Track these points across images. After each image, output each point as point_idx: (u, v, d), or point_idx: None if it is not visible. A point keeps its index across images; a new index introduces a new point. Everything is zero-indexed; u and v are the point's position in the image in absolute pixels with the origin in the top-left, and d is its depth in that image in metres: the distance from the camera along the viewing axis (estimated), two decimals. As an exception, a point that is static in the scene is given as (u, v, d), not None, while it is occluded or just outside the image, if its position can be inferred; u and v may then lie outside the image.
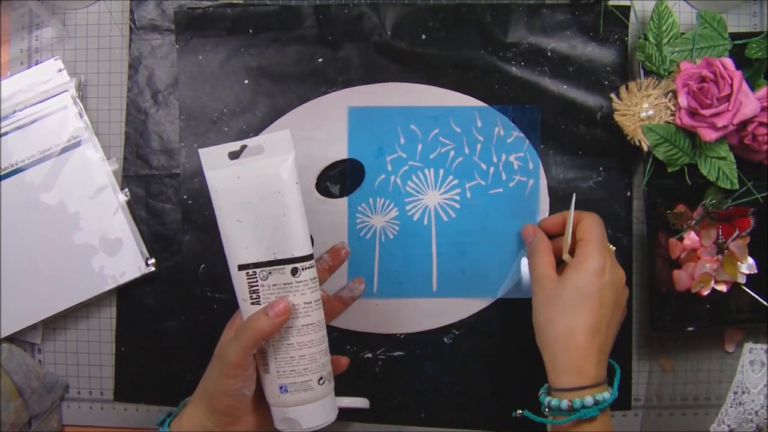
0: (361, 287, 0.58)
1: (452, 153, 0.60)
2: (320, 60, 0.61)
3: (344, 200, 0.60)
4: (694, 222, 0.60)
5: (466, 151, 0.60)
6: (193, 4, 0.61)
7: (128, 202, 0.60)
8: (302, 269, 0.48)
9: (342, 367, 0.53)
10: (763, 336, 0.62)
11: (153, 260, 0.60)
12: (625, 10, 0.60)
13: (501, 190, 0.60)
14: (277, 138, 0.49)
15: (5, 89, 0.60)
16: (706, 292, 0.60)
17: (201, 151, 0.49)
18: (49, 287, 0.59)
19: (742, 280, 0.60)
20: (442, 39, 0.60)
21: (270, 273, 0.48)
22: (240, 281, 0.48)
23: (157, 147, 0.61)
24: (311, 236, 0.60)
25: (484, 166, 0.60)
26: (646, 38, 0.58)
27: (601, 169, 0.61)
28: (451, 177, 0.60)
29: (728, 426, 0.62)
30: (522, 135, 0.60)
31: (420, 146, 0.60)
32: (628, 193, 0.61)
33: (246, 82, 0.61)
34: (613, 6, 0.60)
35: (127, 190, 0.60)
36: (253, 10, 0.61)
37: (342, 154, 0.60)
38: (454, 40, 0.60)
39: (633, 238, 0.62)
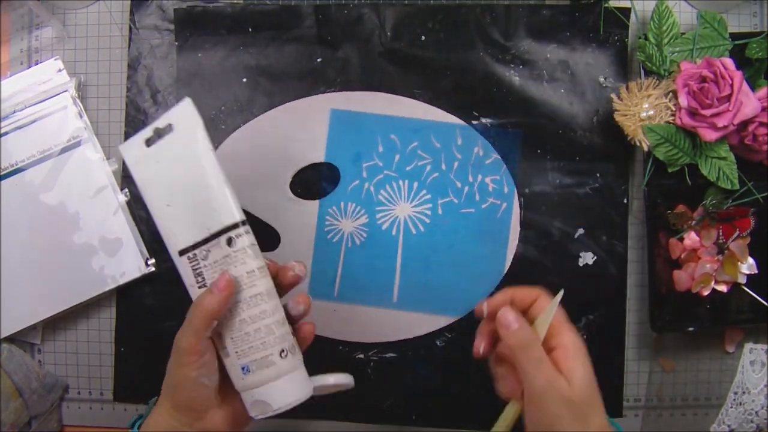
0: (300, 307, 0.48)
1: (428, 167, 0.60)
2: (319, 60, 0.61)
3: (316, 202, 0.60)
4: (694, 222, 0.60)
5: (443, 167, 0.60)
6: (193, 2, 0.61)
7: (128, 202, 0.60)
8: (236, 237, 0.45)
9: (309, 336, 0.48)
10: (763, 336, 0.62)
11: (153, 260, 0.60)
12: (626, 10, 0.60)
13: (473, 210, 0.60)
14: (181, 111, 0.47)
15: (5, 89, 0.60)
16: (706, 293, 0.60)
17: (121, 147, 0.47)
18: (49, 287, 0.59)
19: (742, 280, 0.60)
20: (441, 40, 0.60)
21: (209, 251, 0.45)
22: (184, 267, 0.46)
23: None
24: (278, 233, 0.60)
25: (458, 185, 0.60)
26: (646, 38, 0.58)
27: (597, 175, 0.61)
28: (424, 191, 0.60)
29: (728, 426, 0.62)
30: (500, 158, 0.60)
31: (397, 157, 0.60)
32: (625, 200, 0.61)
33: (244, 80, 0.61)
34: (613, 7, 0.60)
35: (127, 190, 0.60)
36: (253, 8, 0.61)
37: (320, 155, 0.61)
38: (454, 41, 0.60)
39: (632, 239, 0.61)
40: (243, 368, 0.45)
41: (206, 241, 0.45)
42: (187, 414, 0.44)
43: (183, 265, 0.46)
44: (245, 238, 0.45)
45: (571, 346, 0.41)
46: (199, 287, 0.45)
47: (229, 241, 0.45)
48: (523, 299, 0.44)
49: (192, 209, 0.46)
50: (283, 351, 0.45)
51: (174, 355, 0.44)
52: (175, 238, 0.46)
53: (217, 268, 0.45)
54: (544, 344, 0.42)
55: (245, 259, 0.45)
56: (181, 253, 0.46)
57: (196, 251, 0.46)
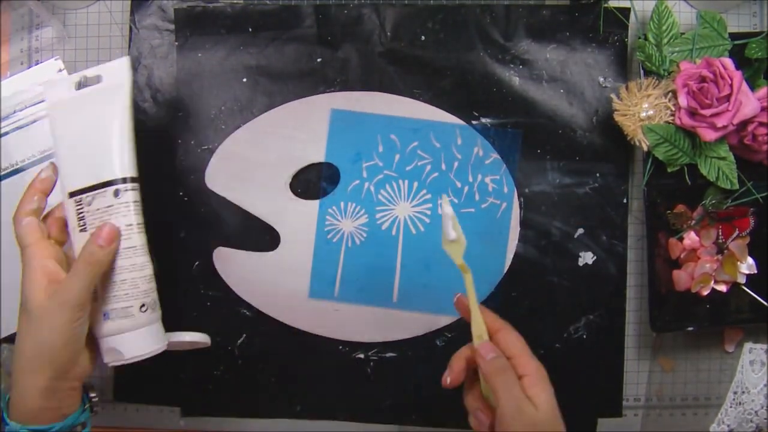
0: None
1: (428, 167, 0.60)
2: (319, 60, 0.61)
3: (316, 202, 0.60)
4: (693, 222, 0.60)
5: (443, 167, 0.60)
6: (194, 2, 0.61)
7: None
8: (124, 191, 0.48)
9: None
10: (763, 336, 0.62)
11: (153, 259, 0.60)
12: (625, 10, 0.60)
13: (473, 210, 0.60)
14: (115, 67, 0.51)
15: (5, 89, 0.60)
16: (705, 292, 0.60)
17: (45, 83, 0.51)
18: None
19: (741, 280, 0.60)
20: (441, 40, 0.60)
21: (93, 198, 0.48)
22: (70, 209, 0.49)
23: (157, 146, 0.61)
24: (278, 233, 0.60)
25: (458, 184, 0.60)
26: (646, 38, 0.58)
27: (597, 175, 0.61)
28: (424, 191, 0.60)
29: (728, 426, 0.62)
30: (500, 158, 0.60)
31: (397, 156, 0.60)
32: (624, 200, 0.61)
33: (244, 80, 0.61)
34: (613, 7, 0.60)
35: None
36: (253, 8, 0.61)
37: (320, 155, 0.61)
38: (454, 41, 0.60)
39: (632, 239, 0.62)
40: (104, 314, 0.48)
41: (94, 187, 0.48)
42: (65, 367, 0.45)
43: (70, 207, 0.49)
44: (131, 194, 0.49)
45: (535, 374, 0.45)
46: (80, 230, 0.48)
47: (116, 193, 0.48)
48: (491, 324, 0.48)
49: (92, 157, 0.49)
50: (143, 305, 0.49)
51: (57, 315, 0.44)
52: (69, 179, 0.49)
53: (98, 215, 0.48)
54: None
55: (127, 212, 0.48)
56: (71, 194, 0.49)
57: (83, 196, 0.48)
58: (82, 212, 0.48)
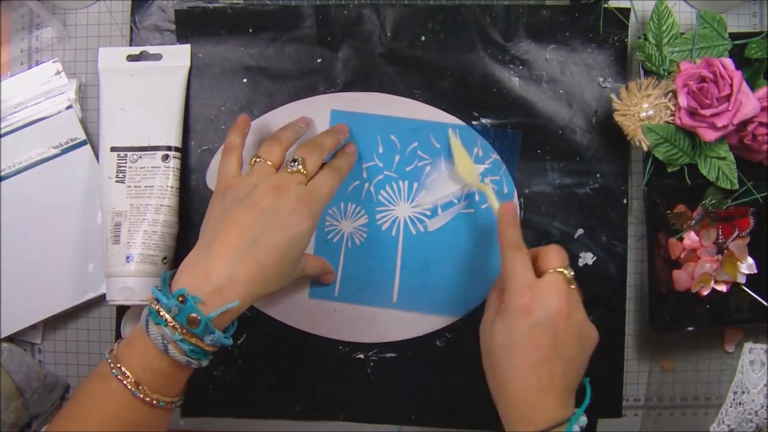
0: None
1: (428, 168, 0.60)
2: (319, 60, 0.61)
3: None
4: (693, 222, 0.60)
5: (443, 167, 0.60)
6: (194, 3, 0.61)
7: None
8: (173, 157, 0.57)
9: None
10: (763, 336, 0.62)
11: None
12: (625, 11, 0.60)
13: (473, 210, 0.60)
14: (176, 50, 0.59)
15: (5, 90, 0.60)
16: (705, 292, 0.60)
17: (102, 49, 0.59)
18: (49, 287, 0.59)
19: (741, 280, 0.60)
20: (441, 41, 0.60)
21: (140, 157, 0.56)
22: (109, 161, 0.56)
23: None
24: None
25: (458, 185, 0.60)
26: (646, 38, 0.58)
27: (597, 175, 0.61)
28: (424, 191, 0.60)
29: (728, 426, 0.62)
30: (500, 159, 0.60)
31: (397, 157, 0.60)
32: (624, 201, 0.61)
33: (245, 81, 0.61)
34: (612, 7, 0.60)
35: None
36: (253, 9, 0.61)
37: None
38: (453, 41, 0.60)
39: (632, 239, 0.62)
40: (128, 257, 0.54)
41: (143, 149, 0.56)
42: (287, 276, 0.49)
43: (108, 159, 0.56)
44: (176, 162, 0.57)
45: (506, 274, 0.48)
46: (116, 181, 0.56)
47: (165, 158, 0.56)
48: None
49: (141, 121, 0.57)
50: (165, 258, 0.56)
51: (312, 204, 0.49)
52: (111, 136, 0.57)
53: (141, 172, 0.56)
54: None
55: (169, 175, 0.56)
56: (113, 149, 0.56)
57: (129, 153, 0.56)
58: (123, 166, 0.56)
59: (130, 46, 0.61)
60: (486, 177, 0.60)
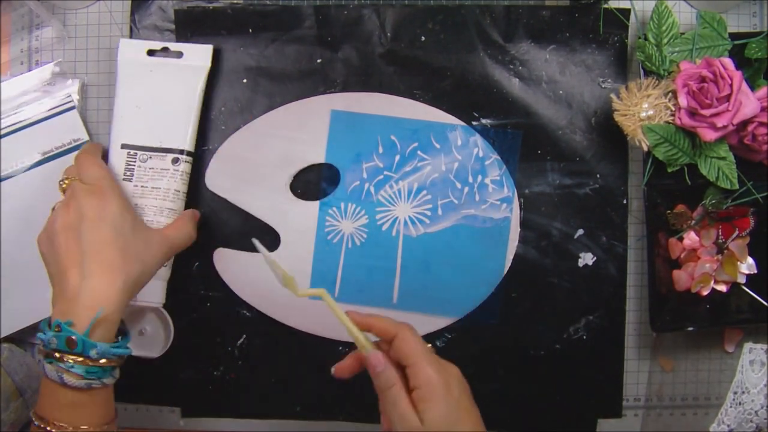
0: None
1: (428, 168, 0.60)
2: (319, 61, 0.61)
3: (316, 203, 0.60)
4: (693, 222, 0.60)
5: (443, 168, 0.60)
6: (194, 3, 0.61)
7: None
8: (183, 161, 0.56)
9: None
10: (763, 336, 0.62)
11: None
12: (625, 11, 0.60)
13: (473, 211, 0.60)
14: (200, 49, 0.57)
15: (6, 91, 0.60)
16: (705, 292, 0.60)
17: (123, 40, 0.57)
18: (49, 287, 0.59)
19: (741, 280, 0.60)
20: (441, 41, 0.60)
21: (150, 157, 0.55)
22: (119, 158, 0.56)
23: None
24: (278, 234, 0.60)
25: (458, 185, 0.60)
26: (645, 38, 0.58)
27: (597, 175, 0.61)
28: (424, 192, 0.60)
29: (728, 426, 0.62)
30: (500, 159, 0.60)
31: (397, 157, 0.60)
32: (624, 201, 0.61)
33: (245, 81, 0.61)
34: (613, 7, 0.60)
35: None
36: (253, 9, 0.61)
37: (320, 156, 0.60)
38: (454, 42, 0.60)
39: (632, 239, 0.62)
40: None
41: (154, 149, 0.55)
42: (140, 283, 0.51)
43: (119, 156, 0.56)
44: (187, 166, 0.57)
45: (426, 386, 0.42)
46: (124, 179, 0.55)
47: (175, 161, 0.56)
48: (385, 331, 0.45)
49: (155, 121, 0.55)
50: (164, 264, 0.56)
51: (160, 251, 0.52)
52: (124, 133, 0.56)
53: (150, 173, 0.55)
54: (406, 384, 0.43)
55: (177, 179, 0.56)
56: (124, 146, 0.56)
57: (139, 152, 0.55)
58: (132, 165, 0.55)
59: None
60: (486, 177, 0.60)
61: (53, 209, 0.51)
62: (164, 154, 0.55)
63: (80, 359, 0.45)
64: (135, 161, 0.55)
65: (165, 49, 0.58)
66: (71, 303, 0.45)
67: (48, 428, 0.44)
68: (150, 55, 0.57)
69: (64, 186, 0.52)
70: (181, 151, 0.56)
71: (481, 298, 0.60)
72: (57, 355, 0.44)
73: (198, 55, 0.58)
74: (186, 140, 0.56)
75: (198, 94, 0.57)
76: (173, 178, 0.56)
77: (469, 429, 0.43)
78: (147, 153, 0.55)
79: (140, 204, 0.56)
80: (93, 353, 0.45)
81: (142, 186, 0.56)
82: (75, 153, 0.55)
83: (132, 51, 0.57)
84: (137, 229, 0.51)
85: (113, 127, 0.56)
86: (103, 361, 0.46)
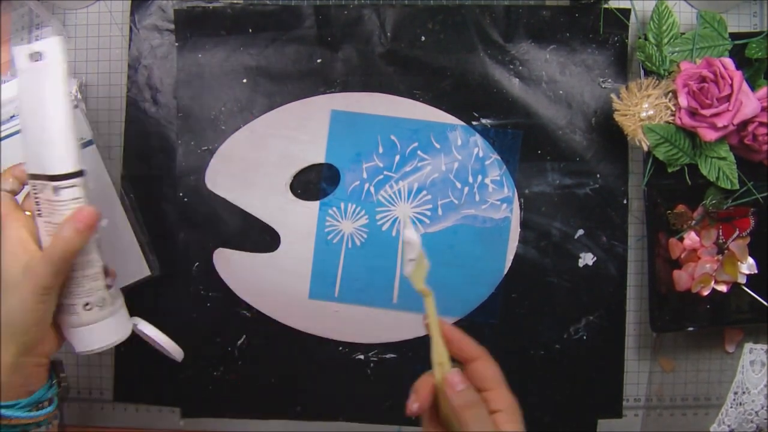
0: None
1: (429, 168, 0.60)
2: (319, 61, 0.60)
3: (316, 203, 0.60)
4: (694, 222, 0.60)
5: (443, 168, 0.60)
6: (194, 3, 0.61)
7: (131, 205, 0.60)
8: (62, 188, 0.44)
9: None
10: (763, 336, 0.62)
11: (155, 259, 0.60)
12: (625, 11, 0.60)
13: (473, 210, 0.60)
14: (50, 45, 0.44)
15: (6, 92, 0.60)
16: (706, 292, 0.60)
17: (15, 48, 0.44)
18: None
19: (742, 280, 0.60)
20: (441, 41, 0.60)
21: (41, 188, 0.45)
22: (30, 191, 0.46)
23: (157, 147, 0.61)
24: (278, 234, 0.60)
25: (458, 185, 0.60)
26: (646, 38, 0.58)
27: (597, 175, 0.61)
28: (424, 192, 0.60)
29: (728, 426, 0.62)
30: (500, 159, 0.60)
31: (398, 157, 0.60)
32: (625, 201, 0.61)
33: (244, 81, 0.61)
34: (613, 7, 0.60)
35: (132, 195, 0.60)
36: (253, 9, 0.61)
37: (320, 156, 0.61)
38: (454, 42, 0.60)
39: (632, 239, 0.62)
40: (57, 306, 0.46)
41: (38, 177, 0.44)
42: (35, 348, 0.45)
43: (30, 189, 0.46)
44: (72, 191, 0.44)
45: (509, 409, 0.42)
46: (37, 214, 0.45)
47: (55, 190, 0.44)
48: (468, 352, 0.45)
49: (38, 141, 0.44)
50: (87, 304, 0.47)
51: (27, 294, 0.43)
52: (26, 160, 0.45)
53: (47, 205, 0.44)
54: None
55: (65, 212, 0.44)
56: (30, 176, 0.45)
57: (35, 182, 0.45)
58: (37, 197, 0.45)
59: (130, 45, 0.61)
60: (487, 177, 0.60)
61: None
62: (45, 182, 0.44)
63: None
64: (37, 192, 0.45)
65: (37, 54, 0.45)
66: None
67: None
68: (33, 60, 0.45)
69: None
70: (61, 177, 0.44)
71: (481, 298, 0.60)
72: None
73: (51, 50, 0.44)
74: (61, 162, 0.44)
75: (57, 100, 0.44)
76: (59, 212, 0.44)
77: None
78: (39, 182, 0.45)
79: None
80: None
81: (47, 222, 0.45)
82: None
83: (21, 58, 0.45)
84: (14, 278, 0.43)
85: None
86: (15, 421, 0.44)
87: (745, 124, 0.55)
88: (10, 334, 0.44)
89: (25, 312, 0.43)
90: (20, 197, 0.48)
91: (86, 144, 0.60)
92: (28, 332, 0.44)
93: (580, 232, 0.61)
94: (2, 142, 0.59)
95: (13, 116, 0.59)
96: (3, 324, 0.43)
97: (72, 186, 0.44)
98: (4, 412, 0.44)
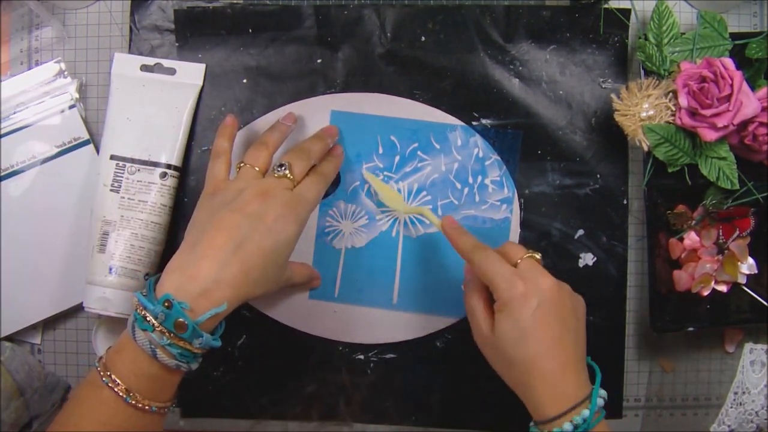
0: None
1: (428, 168, 0.60)
2: (319, 61, 0.61)
3: None
4: (694, 222, 0.60)
5: (443, 168, 0.60)
6: (194, 3, 0.61)
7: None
8: (170, 176, 0.57)
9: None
10: (763, 336, 0.62)
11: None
12: (626, 11, 0.60)
13: (473, 211, 0.60)
14: (193, 68, 0.59)
15: (5, 90, 0.60)
16: (706, 293, 0.60)
17: (117, 54, 0.58)
18: (49, 287, 0.59)
19: (742, 280, 0.60)
20: (441, 41, 0.60)
21: (138, 170, 0.56)
22: (107, 168, 0.56)
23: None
24: None
25: (458, 186, 0.60)
26: (646, 38, 0.58)
27: (598, 176, 0.61)
28: (424, 192, 0.60)
29: (728, 426, 0.62)
30: (500, 159, 0.60)
31: (397, 158, 0.60)
32: (625, 201, 0.61)
33: (244, 81, 0.61)
34: (613, 7, 0.60)
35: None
36: (253, 9, 0.61)
37: None
38: (454, 42, 0.60)
39: (632, 239, 0.62)
40: (111, 268, 0.55)
41: (143, 162, 0.56)
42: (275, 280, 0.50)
43: (107, 167, 0.56)
44: (174, 181, 0.57)
45: (500, 300, 0.46)
46: (111, 190, 0.55)
47: (163, 175, 0.56)
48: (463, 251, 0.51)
49: (146, 133, 0.56)
50: (147, 274, 0.56)
51: (298, 207, 0.49)
52: (114, 143, 0.56)
53: (137, 185, 0.56)
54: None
55: (164, 193, 0.56)
56: (113, 157, 0.56)
57: (128, 163, 0.56)
58: (120, 177, 0.55)
59: (130, 46, 0.61)
60: (487, 177, 0.60)
61: (245, 170, 0.51)
62: (153, 167, 0.56)
63: (181, 343, 0.43)
64: (123, 173, 0.55)
65: (158, 65, 0.58)
66: (193, 283, 0.44)
67: (115, 389, 0.43)
68: (144, 70, 0.58)
69: (279, 175, 0.51)
70: (169, 166, 0.56)
71: None
72: (158, 328, 0.43)
73: (190, 73, 0.59)
74: (174, 155, 0.57)
75: (188, 111, 0.58)
76: (160, 193, 0.56)
77: (536, 344, 0.45)
78: (136, 165, 0.56)
79: (126, 216, 0.55)
80: (197, 342, 0.44)
81: (129, 198, 0.55)
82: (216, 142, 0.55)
83: (126, 65, 0.58)
84: (286, 259, 0.50)
85: (103, 137, 0.57)
86: (199, 350, 0.45)
87: (745, 124, 0.55)
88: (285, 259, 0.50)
89: (294, 233, 0.50)
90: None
91: (83, 144, 0.60)
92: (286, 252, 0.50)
93: (580, 232, 0.61)
94: (2, 139, 0.59)
95: (15, 112, 0.60)
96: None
97: (176, 177, 0.58)
98: (218, 343, 0.47)
